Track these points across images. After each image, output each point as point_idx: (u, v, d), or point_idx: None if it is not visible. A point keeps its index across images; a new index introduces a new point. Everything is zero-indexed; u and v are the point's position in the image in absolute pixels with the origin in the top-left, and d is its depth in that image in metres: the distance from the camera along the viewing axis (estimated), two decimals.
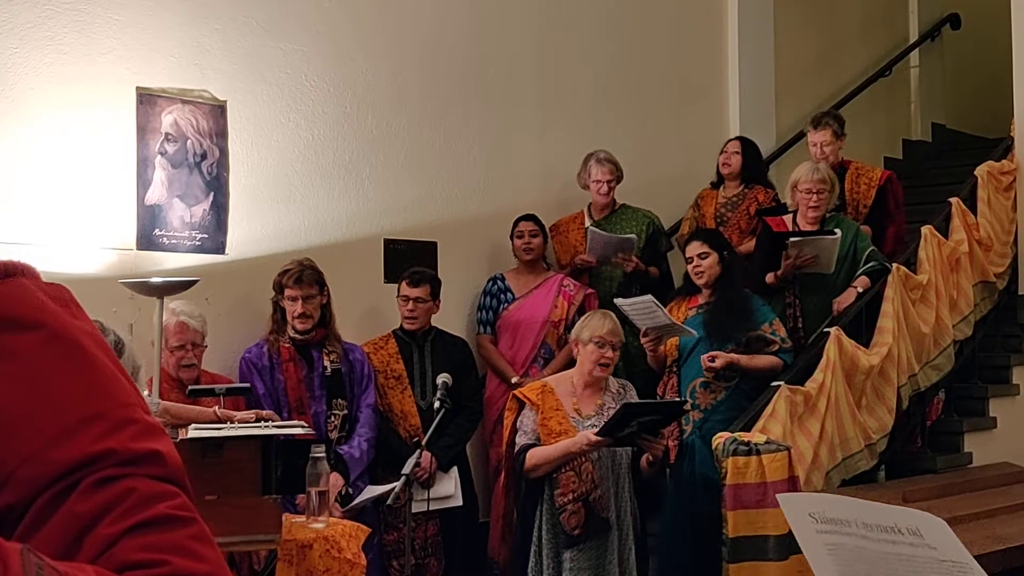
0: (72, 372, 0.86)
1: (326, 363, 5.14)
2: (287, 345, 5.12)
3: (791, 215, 5.99)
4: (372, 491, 4.93)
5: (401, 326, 5.63)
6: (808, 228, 5.86)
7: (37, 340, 0.86)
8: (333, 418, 5.11)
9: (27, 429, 0.82)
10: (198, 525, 0.85)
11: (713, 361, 5.26)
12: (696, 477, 5.23)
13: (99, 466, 0.83)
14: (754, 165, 6.73)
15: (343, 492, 4.99)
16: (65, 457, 0.82)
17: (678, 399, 4.98)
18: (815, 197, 5.82)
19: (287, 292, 5.06)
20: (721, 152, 6.73)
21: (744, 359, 5.30)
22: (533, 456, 4.66)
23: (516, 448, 4.74)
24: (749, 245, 6.28)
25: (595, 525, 4.59)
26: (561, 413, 4.74)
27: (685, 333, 5.39)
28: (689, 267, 5.58)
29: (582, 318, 5.05)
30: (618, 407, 4.54)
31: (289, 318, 5.08)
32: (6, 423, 0.82)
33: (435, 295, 5.60)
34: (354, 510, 4.86)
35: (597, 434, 4.49)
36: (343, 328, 5.32)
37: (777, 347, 5.38)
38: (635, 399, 4.96)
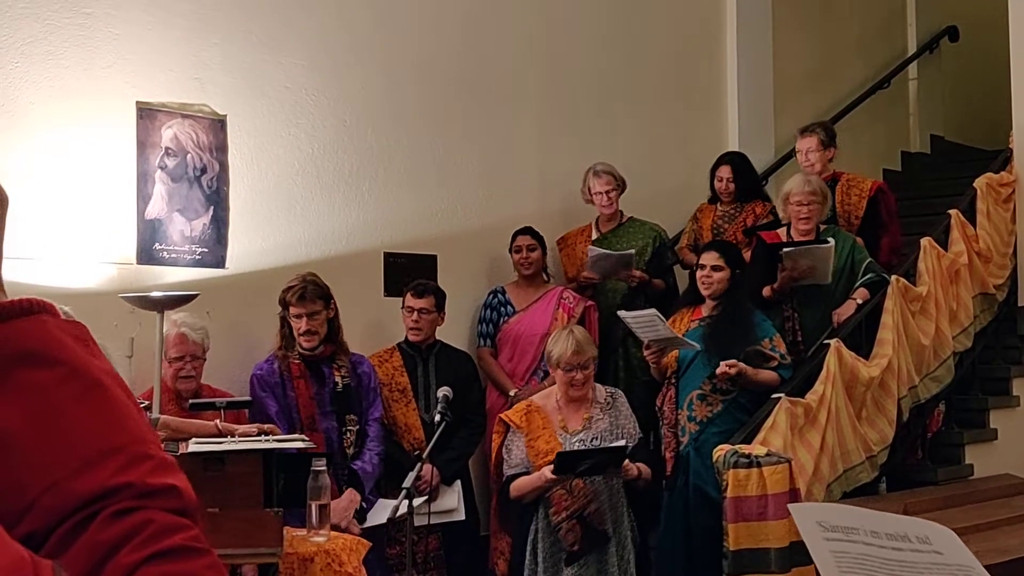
0: (91, 407, 0.89)
1: (336, 379, 5.11)
2: (297, 361, 5.08)
3: (784, 228, 6.00)
4: (385, 506, 4.91)
5: (406, 339, 5.63)
6: (801, 240, 5.86)
7: (58, 376, 0.88)
8: (348, 434, 5.08)
9: (48, 461, 0.85)
10: (211, 556, 0.88)
11: (731, 368, 5.22)
12: (691, 489, 5.23)
13: (118, 498, 0.86)
14: (747, 183, 6.66)
15: (358, 507, 4.98)
16: (85, 488, 0.85)
17: (620, 444, 4.85)
18: (806, 209, 5.82)
19: (292, 310, 5.02)
20: (713, 175, 6.67)
21: (750, 370, 5.29)
22: (515, 489, 4.79)
23: (503, 478, 4.81)
24: (744, 257, 6.27)
25: (593, 539, 4.61)
26: (548, 432, 4.77)
27: (687, 346, 5.38)
28: (699, 274, 5.52)
29: (550, 339, 5.07)
30: (555, 456, 4.63)
31: (296, 335, 5.07)
32: (29, 455, 0.85)
33: (440, 307, 5.60)
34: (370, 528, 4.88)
35: (553, 472, 4.57)
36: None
37: (776, 363, 5.38)
38: (624, 407, 5.00)
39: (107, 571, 0.82)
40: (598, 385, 4.99)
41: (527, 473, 4.77)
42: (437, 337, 5.68)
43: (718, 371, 5.25)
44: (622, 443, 4.82)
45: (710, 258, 5.50)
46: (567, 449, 4.68)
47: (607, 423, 4.85)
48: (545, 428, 4.77)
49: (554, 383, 5.50)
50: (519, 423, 4.80)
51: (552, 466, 4.58)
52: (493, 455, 4.92)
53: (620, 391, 5.07)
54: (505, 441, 4.86)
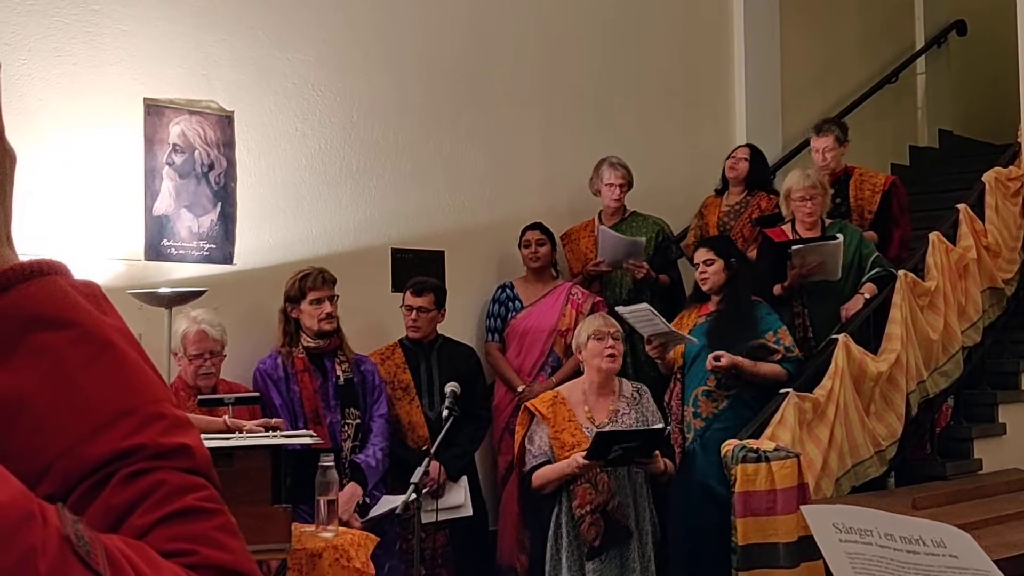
0: (103, 369, 0.89)
1: (339, 373, 5.12)
2: (301, 355, 5.09)
3: (789, 224, 5.99)
4: (389, 502, 4.91)
5: (407, 335, 5.61)
6: (807, 235, 5.86)
7: (69, 338, 0.89)
8: (347, 427, 5.08)
9: (62, 425, 0.86)
10: (224, 516, 0.89)
11: (718, 360, 5.24)
12: (697, 486, 5.22)
13: (131, 460, 0.86)
14: (760, 173, 6.75)
15: (361, 502, 4.97)
16: (99, 452, 0.86)
17: (658, 426, 4.85)
18: (809, 203, 5.84)
19: (311, 295, 5.02)
20: (729, 157, 6.74)
21: (748, 364, 5.29)
22: (538, 478, 4.71)
23: (526, 467, 4.76)
24: (752, 254, 6.27)
25: (615, 534, 4.58)
26: (574, 424, 4.72)
27: (686, 340, 5.40)
28: (696, 273, 5.61)
29: (577, 328, 5.05)
30: (593, 436, 4.53)
31: (313, 322, 5.03)
32: (42, 419, 0.85)
33: (439, 304, 5.55)
34: (373, 522, 4.86)
35: (585, 457, 4.49)
36: (351, 338, 5.30)
37: (780, 356, 5.36)
38: (650, 403, 4.94)
39: (122, 532, 0.83)
40: (623, 380, 4.97)
41: (550, 463, 4.72)
42: (441, 332, 5.66)
43: (707, 365, 5.27)
44: (660, 425, 4.82)
45: (700, 255, 5.58)
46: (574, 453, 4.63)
47: (633, 418, 4.81)
48: (571, 421, 4.73)
49: (562, 380, 5.50)
50: (545, 413, 4.77)
51: (585, 451, 4.52)
52: (516, 446, 4.88)
53: (645, 387, 5.04)
54: (529, 431, 4.82)
